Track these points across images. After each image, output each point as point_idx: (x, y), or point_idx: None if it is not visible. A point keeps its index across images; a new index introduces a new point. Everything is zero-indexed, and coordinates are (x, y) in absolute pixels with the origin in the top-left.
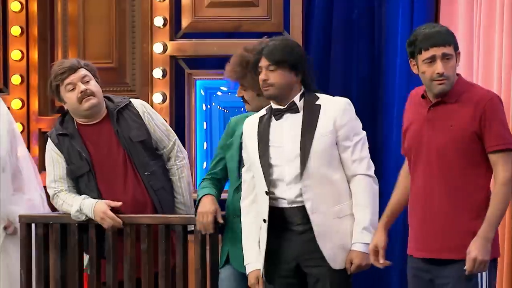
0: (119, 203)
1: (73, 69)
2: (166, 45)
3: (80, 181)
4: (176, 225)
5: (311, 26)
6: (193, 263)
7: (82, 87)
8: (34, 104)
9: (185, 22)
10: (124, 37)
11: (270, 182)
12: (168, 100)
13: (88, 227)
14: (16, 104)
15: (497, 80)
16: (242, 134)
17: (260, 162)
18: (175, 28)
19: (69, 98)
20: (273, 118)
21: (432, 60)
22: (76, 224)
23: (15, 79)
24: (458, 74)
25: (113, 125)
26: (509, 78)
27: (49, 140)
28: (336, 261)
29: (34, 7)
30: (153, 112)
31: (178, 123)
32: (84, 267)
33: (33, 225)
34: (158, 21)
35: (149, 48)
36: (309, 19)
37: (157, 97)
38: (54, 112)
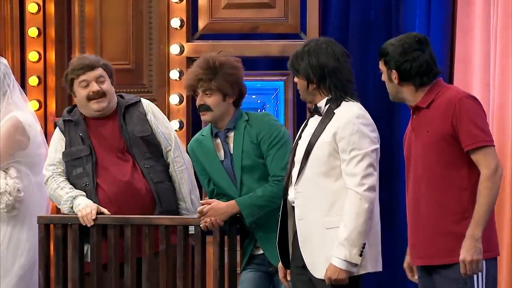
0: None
1: (90, 67)
2: (183, 46)
3: (76, 164)
4: (195, 226)
5: (328, 27)
6: (211, 264)
7: (95, 87)
8: (51, 106)
9: (202, 23)
10: (141, 38)
11: (289, 177)
12: (185, 102)
13: (107, 227)
14: (34, 105)
15: None
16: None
17: (290, 156)
18: (192, 29)
19: (80, 94)
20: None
21: None
22: (95, 226)
23: (33, 81)
24: (437, 80)
25: (119, 119)
26: None
27: (57, 127)
28: (315, 270)
29: (51, 8)
30: (157, 113)
31: (195, 124)
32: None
33: None
34: (175, 23)
35: (166, 49)
36: (326, 19)
37: (173, 99)
38: None
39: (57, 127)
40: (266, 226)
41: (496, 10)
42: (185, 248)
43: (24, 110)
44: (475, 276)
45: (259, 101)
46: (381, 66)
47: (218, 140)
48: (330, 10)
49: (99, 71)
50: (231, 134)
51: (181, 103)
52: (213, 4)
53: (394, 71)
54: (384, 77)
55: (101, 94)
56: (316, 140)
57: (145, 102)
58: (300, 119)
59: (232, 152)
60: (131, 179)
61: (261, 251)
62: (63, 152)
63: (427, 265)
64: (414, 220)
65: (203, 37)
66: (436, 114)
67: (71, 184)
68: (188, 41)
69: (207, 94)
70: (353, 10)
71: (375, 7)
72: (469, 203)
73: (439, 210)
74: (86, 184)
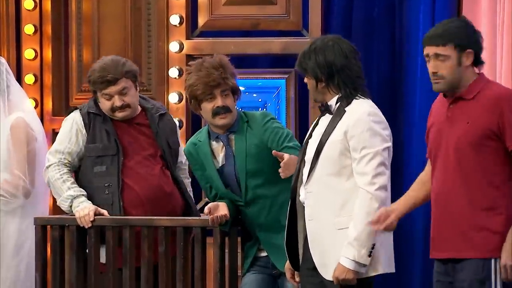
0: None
1: (113, 82)
2: (183, 43)
3: (99, 161)
4: (195, 227)
5: (331, 24)
6: (211, 266)
7: (118, 102)
8: (48, 104)
9: (201, 20)
10: (139, 35)
11: (298, 177)
12: (184, 100)
13: (105, 229)
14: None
15: None
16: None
17: (299, 155)
18: (191, 26)
19: (104, 104)
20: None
21: (428, 58)
22: (92, 227)
23: (29, 79)
24: (480, 73)
25: (153, 126)
26: None
27: (78, 113)
28: (326, 272)
29: (47, 5)
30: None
31: (195, 123)
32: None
33: None
34: (174, 20)
35: (165, 47)
36: (329, 17)
37: (173, 97)
38: (68, 113)
39: (79, 115)
40: (270, 229)
41: (503, 7)
42: (184, 250)
43: (25, 110)
44: (492, 279)
45: (260, 100)
46: (445, 51)
47: (217, 145)
48: (333, 7)
49: (122, 84)
50: (233, 137)
51: (181, 101)
52: (213, 1)
53: (470, 51)
54: (447, 64)
55: (124, 106)
56: (327, 139)
57: (170, 114)
58: (302, 118)
59: (235, 155)
60: (161, 182)
61: (264, 253)
62: (86, 147)
63: (452, 258)
64: (443, 212)
65: (203, 34)
66: (479, 107)
67: (89, 181)
68: (187, 38)
69: (224, 96)
70: (356, 7)
71: (379, 4)
72: (501, 201)
73: (470, 203)
74: (109, 184)
